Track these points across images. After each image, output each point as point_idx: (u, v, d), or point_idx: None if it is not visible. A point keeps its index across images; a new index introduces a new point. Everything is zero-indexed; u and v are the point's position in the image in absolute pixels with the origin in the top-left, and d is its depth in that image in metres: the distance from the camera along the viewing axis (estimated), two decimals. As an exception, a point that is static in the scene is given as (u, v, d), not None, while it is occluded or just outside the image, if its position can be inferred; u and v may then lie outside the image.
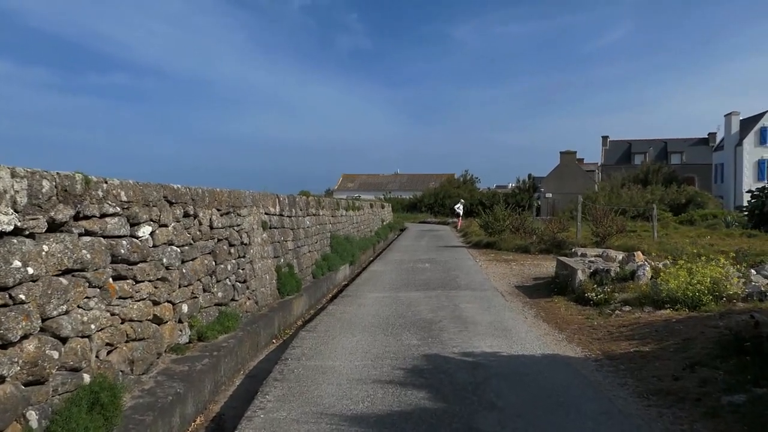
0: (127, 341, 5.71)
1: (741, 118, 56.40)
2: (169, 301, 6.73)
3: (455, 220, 42.46)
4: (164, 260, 6.59)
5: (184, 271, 7.03)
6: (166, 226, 6.73)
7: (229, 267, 8.35)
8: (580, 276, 10.14)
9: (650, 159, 67.77)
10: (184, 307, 7.03)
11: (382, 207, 37.00)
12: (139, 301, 5.99)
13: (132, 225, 5.98)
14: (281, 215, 11.66)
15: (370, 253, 23.40)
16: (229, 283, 8.33)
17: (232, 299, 8.44)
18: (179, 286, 6.96)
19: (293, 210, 12.62)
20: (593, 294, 9.31)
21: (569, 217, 38.11)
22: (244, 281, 8.95)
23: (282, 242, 11.39)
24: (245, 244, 9.20)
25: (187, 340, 7.10)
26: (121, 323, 5.65)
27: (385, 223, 35.11)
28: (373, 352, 6.79)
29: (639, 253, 12.15)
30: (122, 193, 5.77)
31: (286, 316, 10.13)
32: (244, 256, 9.07)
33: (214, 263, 7.91)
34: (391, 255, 20.09)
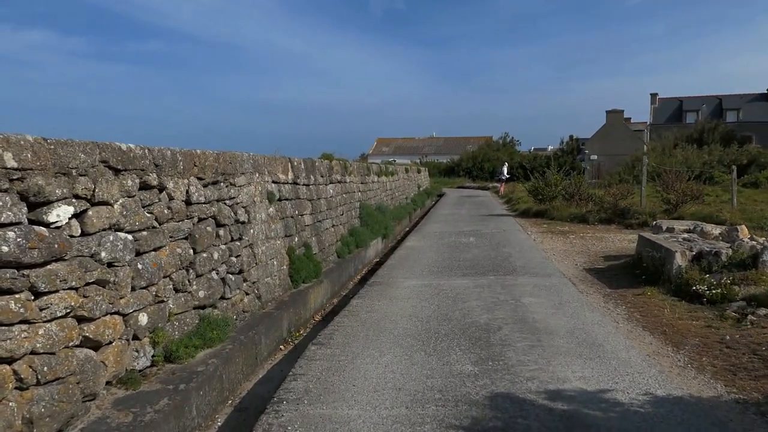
0: (21, 389, 3.65)
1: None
2: (115, 313, 4.67)
3: (497, 185, 39.82)
4: (103, 254, 4.49)
5: (140, 266, 4.95)
6: (106, 204, 4.62)
7: (216, 255, 6.23)
8: (679, 260, 7.75)
9: (704, 117, 63.36)
10: (142, 318, 4.96)
11: (418, 172, 34.62)
12: (50, 321, 3.91)
13: (33, 205, 3.87)
14: (296, 183, 9.48)
15: (406, 223, 21.20)
16: (215, 276, 6.22)
17: (222, 297, 6.35)
18: (132, 289, 4.88)
19: (312, 177, 10.44)
20: (704, 287, 6.94)
21: (618, 180, 35.16)
22: (240, 271, 6.84)
23: (296, 217, 9.24)
24: (242, 223, 7.07)
25: (148, 363, 5.05)
26: (8, 363, 3.58)
27: (421, 189, 32.78)
28: (409, 388, 4.59)
29: (744, 227, 9.65)
30: (6, 156, 3.64)
31: (299, 311, 8.03)
32: (240, 239, 6.94)
33: (192, 252, 5.81)
34: (429, 226, 17.84)
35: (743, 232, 9.39)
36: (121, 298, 4.71)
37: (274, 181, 8.44)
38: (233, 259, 6.65)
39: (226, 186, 6.77)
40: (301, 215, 9.55)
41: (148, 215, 5.19)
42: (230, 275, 6.55)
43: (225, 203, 6.70)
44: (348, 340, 5.93)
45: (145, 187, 5.20)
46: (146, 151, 5.22)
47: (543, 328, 6.16)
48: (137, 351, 4.93)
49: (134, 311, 4.88)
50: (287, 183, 9.04)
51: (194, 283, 5.81)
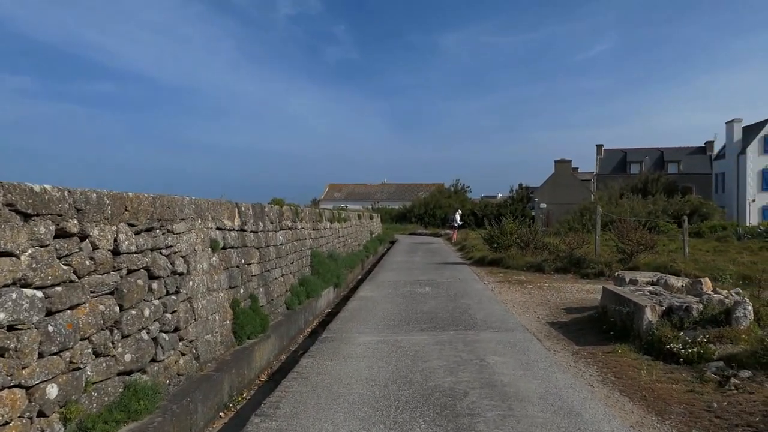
0: None
1: (743, 125, 54.23)
2: (16, 386, 3.89)
3: (449, 231, 39.68)
4: (1, 315, 3.74)
5: (51, 328, 4.19)
6: (10, 255, 3.89)
7: (147, 311, 5.48)
8: (650, 316, 7.36)
9: (647, 168, 65.62)
10: (51, 390, 4.17)
11: (371, 218, 34.18)
12: None
13: None
14: (243, 230, 8.79)
15: (359, 270, 20.56)
16: (146, 336, 5.45)
17: (153, 360, 5.56)
18: (40, 356, 4.11)
19: (261, 223, 9.77)
20: (678, 345, 6.54)
21: (567, 228, 35.49)
22: (176, 329, 6.08)
23: (243, 267, 8.52)
24: (180, 274, 6.34)
25: (53, 448, 4.23)
26: None
27: (374, 235, 32.29)
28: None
29: (707, 279, 9.42)
30: None
31: (243, 371, 7.25)
32: (176, 292, 6.20)
33: (118, 309, 5.05)
34: (383, 274, 17.24)
35: (707, 284, 9.15)
36: (23, 367, 3.94)
37: (218, 228, 7.75)
38: (168, 315, 5.89)
39: (163, 233, 6.07)
40: (248, 264, 8.83)
41: (65, 267, 4.45)
42: (163, 334, 5.78)
43: (161, 252, 5.99)
44: (297, 410, 5.21)
45: (62, 234, 4.48)
46: (65, 193, 4.51)
47: (513, 394, 5.58)
48: (42, 431, 4.12)
49: (41, 382, 4.10)
50: (233, 230, 8.35)
51: (119, 345, 5.04)
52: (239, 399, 6.83)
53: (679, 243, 25.15)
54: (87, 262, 4.70)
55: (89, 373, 4.63)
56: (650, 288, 9.00)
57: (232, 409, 6.58)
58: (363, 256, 22.51)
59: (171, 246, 6.19)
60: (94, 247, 4.87)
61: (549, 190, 59.09)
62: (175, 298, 6.09)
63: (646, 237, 16.50)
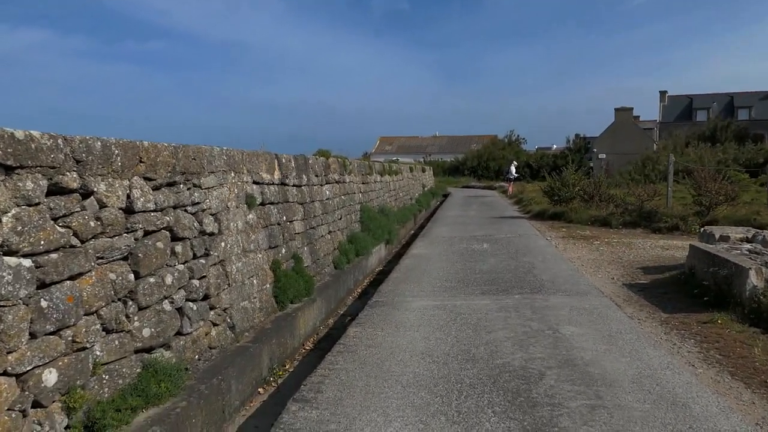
0: None
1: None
2: (2, 374, 3.22)
3: (504, 184, 38.28)
4: (-25, 291, 3.05)
5: (45, 303, 3.49)
6: (-14, 216, 3.17)
7: (169, 279, 4.76)
8: (755, 280, 6.25)
9: (715, 115, 61.70)
10: (48, 377, 3.50)
11: (423, 171, 33.13)
12: None
13: None
14: (284, 184, 8.01)
15: (411, 226, 19.73)
16: (168, 306, 4.74)
17: (178, 333, 4.87)
18: (32, 337, 3.43)
19: (304, 176, 8.96)
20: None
21: (628, 179, 33.48)
22: (206, 297, 5.37)
23: (284, 224, 7.76)
24: (210, 235, 5.61)
25: (60, 439, 3.58)
26: None
27: (426, 188, 31.30)
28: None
29: (815, 235, 8.14)
30: None
31: (285, 340, 6.56)
32: (206, 255, 5.47)
33: (132, 277, 4.33)
34: (436, 230, 16.35)
35: (814, 241, 7.89)
36: (9, 352, 3.26)
37: (255, 182, 6.98)
38: (195, 282, 5.17)
39: (188, 189, 5.30)
40: (291, 222, 8.07)
41: (62, 230, 3.72)
42: (191, 303, 5.07)
43: (185, 210, 5.24)
44: (341, 394, 4.43)
45: (58, 191, 3.74)
46: (60, 141, 3.75)
47: (599, 376, 4.66)
48: (40, 424, 3.46)
49: (35, 368, 3.42)
50: (273, 184, 7.57)
51: (135, 318, 4.34)
52: (281, 372, 6.15)
53: (753, 194, 23.27)
54: (91, 223, 3.96)
55: (98, 353, 3.95)
56: (747, 246, 7.81)
57: (273, 384, 5.91)
58: (415, 211, 21.65)
59: (198, 203, 5.43)
60: (101, 206, 4.13)
61: (608, 140, 56.35)
62: (204, 261, 5.36)
63: (727, 187, 14.99)
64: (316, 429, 3.84)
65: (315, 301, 7.80)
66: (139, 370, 4.30)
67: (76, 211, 3.88)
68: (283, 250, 7.59)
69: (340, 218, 11.01)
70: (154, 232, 4.68)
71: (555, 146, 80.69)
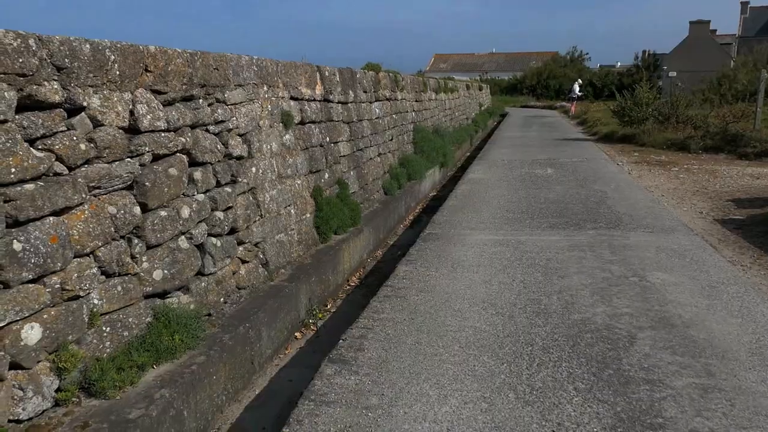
0: None
1: None
2: (-37, 333, 2.59)
3: (566, 104, 36.19)
4: None
5: (18, 246, 2.80)
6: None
7: (186, 211, 4.03)
8: None
9: (802, 28, 56.41)
10: (29, 334, 2.86)
11: (480, 89, 31.45)
12: None
13: None
14: (327, 101, 7.11)
15: (467, 147, 18.65)
16: (185, 244, 4.04)
17: (199, 273, 4.20)
18: (4, 287, 2.77)
19: (351, 92, 8.02)
20: None
21: (701, 100, 30.91)
22: (232, 231, 4.65)
23: (327, 146, 6.93)
24: (237, 159, 4.83)
25: (49, 404, 2.98)
26: None
27: (483, 108, 29.76)
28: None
29: None
30: None
31: (327, 277, 5.87)
32: (233, 182, 4.72)
33: (138, 210, 3.61)
34: (495, 152, 15.25)
35: None
36: (-28, 307, 2.60)
37: (294, 98, 6.11)
38: (219, 214, 4.43)
39: (209, 104, 4.49)
40: (335, 143, 7.23)
41: (41, 155, 2.99)
42: (213, 239, 4.36)
43: (207, 130, 4.45)
44: (386, 355, 3.70)
45: (33, 105, 2.98)
46: (31, 41, 2.95)
47: (705, 343, 3.76)
48: (22, 389, 2.85)
49: (10, 324, 2.78)
50: (314, 100, 6.68)
51: (144, 259, 3.64)
52: (321, 314, 5.48)
53: None
54: (82, 146, 3.21)
55: (96, 302, 3.29)
56: None
57: (311, 327, 5.26)
58: (471, 131, 20.45)
59: (222, 121, 4.63)
60: (96, 124, 3.37)
61: (680, 57, 52.35)
62: (229, 190, 4.60)
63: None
64: (352, 402, 3.12)
65: (362, 232, 7.05)
66: (149, 320, 3.65)
67: (61, 131, 3.13)
68: (326, 175, 6.79)
69: (391, 139, 10.09)
70: (165, 156, 3.92)
71: (619, 63, 75.97)
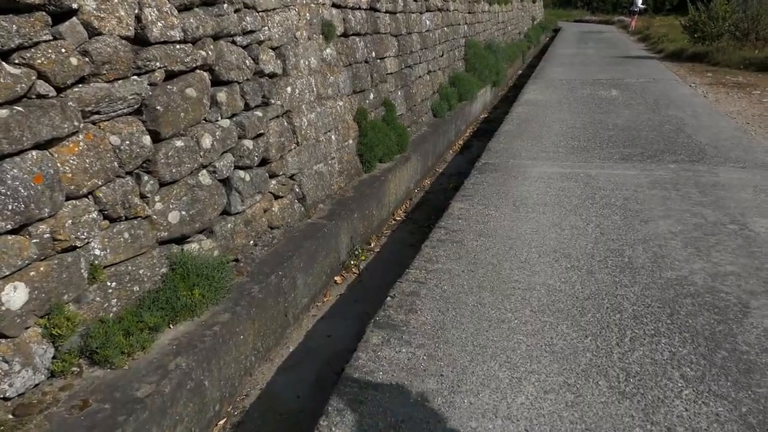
0: None
1: None
2: None
3: (625, 18, 33.75)
4: None
5: (-10, 188, 2.22)
6: None
7: (207, 140, 3.39)
8: None
9: None
10: (11, 296, 2.34)
11: (533, 1, 29.39)
12: None
13: None
14: (373, 10, 6.25)
15: (519, 64, 17.41)
16: (207, 180, 3.42)
17: (224, 213, 3.61)
18: (-28, 240, 2.22)
19: (400, 0, 7.11)
20: None
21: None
22: (264, 162, 4.02)
23: (373, 62, 6.13)
24: (270, 76, 4.13)
25: (42, 377, 2.49)
26: None
27: (535, 21, 27.87)
28: None
29: None
30: None
31: (370, 211, 5.25)
32: (265, 104, 4.04)
33: (148, 140, 2.99)
34: (550, 70, 14.10)
35: None
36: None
37: (335, 5, 5.29)
38: (247, 143, 3.79)
39: (236, 11, 3.75)
40: (381, 59, 6.42)
41: (16, 72, 2.36)
42: (241, 172, 3.74)
43: (233, 42, 3.74)
44: (443, 319, 3.09)
45: (2, 7, 2.32)
46: None
47: None
48: (6, 362, 2.35)
49: (-17, 283, 2.25)
50: (359, 8, 5.84)
51: (156, 199, 3.06)
52: (363, 256, 4.90)
53: None
54: (73, 60, 2.57)
55: (97, 253, 2.73)
56: None
57: (353, 270, 4.70)
58: (524, 48, 19.07)
59: (252, 31, 3.90)
60: (91, 33, 2.70)
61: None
62: (260, 114, 3.93)
63: None
64: (405, 385, 2.54)
65: (409, 159, 6.35)
66: (163, 271, 3.10)
67: (44, 41, 2.48)
68: (371, 96, 6.05)
69: (442, 55, 9.17)
70: (182, 73, 3.25)
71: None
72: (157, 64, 3.03)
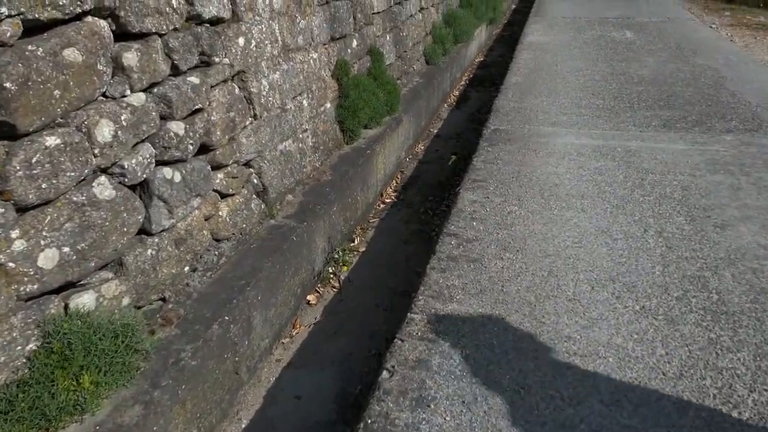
0: None
1: None
2: None
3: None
4: None
5: None
6: None
7: (106, 129, 2.16)
8: None
9: None
10: None
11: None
12: None
13: None
14: (357, -70, 4.87)
15: (513, -2, 15.86)
16: (105, 192, 2.22)
17: (142, 233, 2.43)
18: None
19: None
20: None
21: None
22: (205, 149, 2.81)
23: (356, 2, 4.82)
24: (213, 23, 2.86)
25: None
26: None
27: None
28: None
29: None
30: None
31: (353, 198, 4.10)
32: (205, 64, 2.80)
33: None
34: (551, 6, 12.67)
35: None
36: None
37: None
38: (175, 126, 2.56)
39: None
40: (367, -5, 5.10)
41: None
42: (167, 169, 2.54)
43: (148, -28, 2.45)
44: (470, 420, 2.01)
45: None
46: None
47: None
48: None
49: None
50: (339, -73, 4.48)
51: (14, 234, 1.88)
52: (345, 258, 3.76)
53: None
54: None
55: None
56: None
57: (332, 284, 3.58)
58: (518, -22, 17.42)
59: (181, -45, 2.61)
60: None
61: None
62: (197, 80, 2.69)
63: None
64: None
65: (401, 123, 5.16)
66: (31, 347, 1.95)
67: None
68: (354, 43, 4.77)
69: (435, -12, 7.78)
70: (55, 23, 2.01)
71: None
72: (2, 9, 1.78)
